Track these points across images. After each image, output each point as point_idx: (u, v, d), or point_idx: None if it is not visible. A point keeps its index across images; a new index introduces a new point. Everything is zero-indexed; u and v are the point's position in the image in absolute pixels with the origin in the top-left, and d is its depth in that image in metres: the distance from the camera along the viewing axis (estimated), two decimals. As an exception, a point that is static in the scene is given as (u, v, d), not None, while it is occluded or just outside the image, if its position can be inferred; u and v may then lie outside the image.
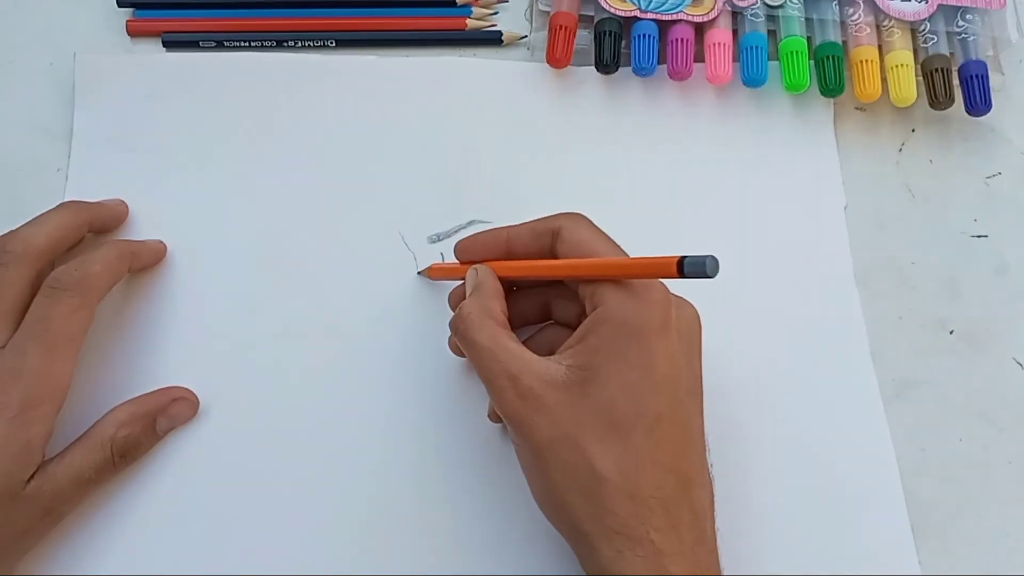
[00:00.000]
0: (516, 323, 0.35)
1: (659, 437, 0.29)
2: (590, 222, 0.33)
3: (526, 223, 0.34)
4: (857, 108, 0.44)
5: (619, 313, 0.30)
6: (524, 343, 0.34)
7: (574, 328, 0.31)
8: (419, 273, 0.39)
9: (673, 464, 0.30)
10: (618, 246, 0.32)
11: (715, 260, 0.26)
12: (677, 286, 0.32)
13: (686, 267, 0.27)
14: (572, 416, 0.29)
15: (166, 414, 0.35)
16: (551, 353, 0.31)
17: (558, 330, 0.35)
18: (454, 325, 0.33)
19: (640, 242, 0.40)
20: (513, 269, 0.34)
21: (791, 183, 0.42)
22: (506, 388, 0.30)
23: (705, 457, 0.32)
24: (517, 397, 0.30)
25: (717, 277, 0.40)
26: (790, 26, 0.43)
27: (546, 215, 0.34)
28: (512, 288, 0.35)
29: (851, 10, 0.43)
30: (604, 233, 0.33)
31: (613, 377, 0.29)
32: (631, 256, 0.32)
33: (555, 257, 0.33)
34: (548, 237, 0.33)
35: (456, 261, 0.36)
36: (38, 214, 0.36)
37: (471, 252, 0.36)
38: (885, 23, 0.43)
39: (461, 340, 0.32)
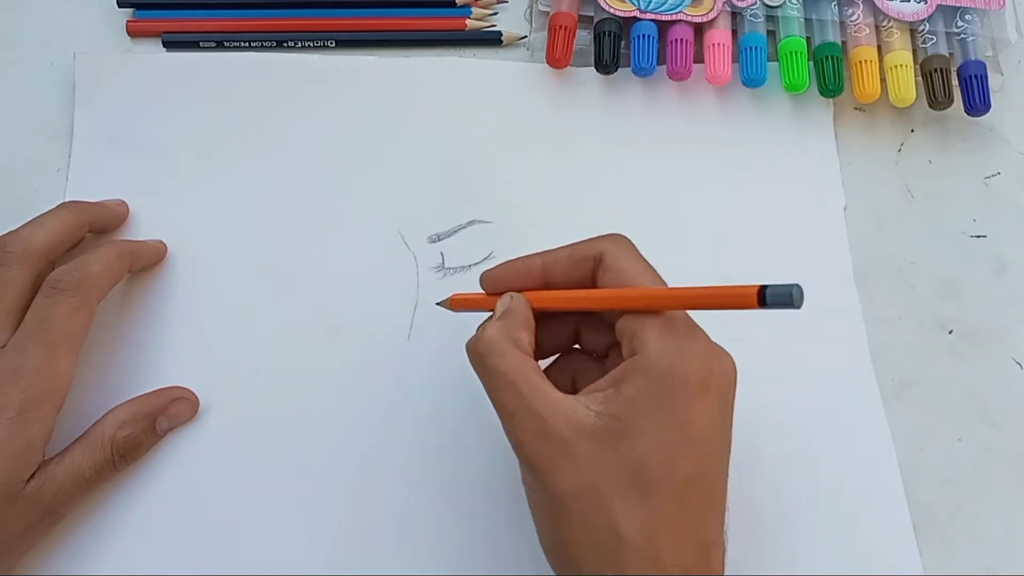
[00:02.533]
0: (547, 351, 0.33)
1: (686, 501, 0.28)
2: (634, 248, 0.31)
3: (564, 248, 0.31)
4: (856, 108, 0.44)
5: (661, 364, 0.28)
6: (545, 370, 0.32)
7: (601, 357, 0.29)
8: (438, 304, 0.36)
9: (696, 530, 0.28)
10: (661, 279, 0.30)
11: (800, 289, 0.24)
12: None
13: (769, 298, 0.24)
14: (599, 469, 0.27)
15: (166, 414, 0.35)
16: (572, 384, 0.30)
17: (583, 360, 0.33)
18: (472, 349, 0.30)
19: (640, 242, 0.40)
20: (553, 300, 0.31)
21: (791, 183, 0.42)
22: (528, 427, 0.28)
23: (724, 520, 0.30)
24: (540, 438, 0.28)
25: (716, 276, 0.40)
26: (789, 26, 0.43)
27: (587, 238, 0.31)
28: (544, 315, 0.32)
29: (850, 10, 0.43)
30: (647, 261, 0.31)
31: (647, 433, 0.27)
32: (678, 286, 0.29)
33: (595, 285, 0.30)
34: (589, 264, 0.31)
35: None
36: (38, 214, 0.36)
37: (501, 283, 0.32)
38: (884, 23, 0.43)
39: (480, 366, 0.30)
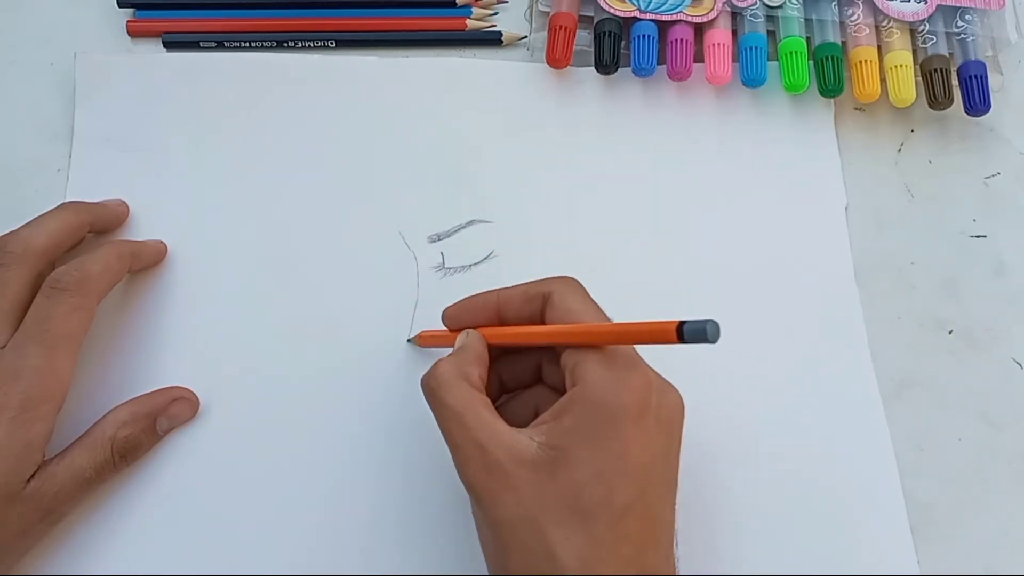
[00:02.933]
0: (511, 386, 0.34)
1: (625, 528, 0.28)
2: (580, 289, 0.32)
3: (518, 286, 0.33)
4: (856, 108, 0.44)
5: (596, 394, 0.29)
6: (509, 402, 0.34)
7: (561, 391, 0.30)
8: (409, 340, 0.38)
9: (636, 558, 0.28)
10: (606, 317, 0.31)
11: (716, 324, 0.25)
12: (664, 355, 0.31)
13: (686, 333, 0.26)
14: (537, 497, 0.28)
15: (166, 414, 0.35)
16: (536, 414, 0.31)
17: (546, 393, 0.33)
18: (425, 383, 0.31)
19: (640, 242, 0.40)
20: (502, 336, 0.33)
21: (791, 183, 0.42)
22: (472, 458, 0.29)
23: (672, 552, 0.30)
24: (483, 469, 0.29)
25: (717, 276, 0.40)
26: (789, 26, 0.43)
27: (538, 279, 0.33)
28: (505, 351, 0.34)
29: (850, 10, 0.43)
30: (594, 302, 0.32)
31: (584, 461, 0.28)
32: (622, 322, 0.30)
33: (544, 323, 0.32)
34: (539, 302, 0.32)
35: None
36: (38, 214, 0.36)
37: (460, 318, 0.34)
38: (884, 23, 0.43)
39: (431, 400, 0.31)
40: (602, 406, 0.29)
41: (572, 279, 0.32)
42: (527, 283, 0.33)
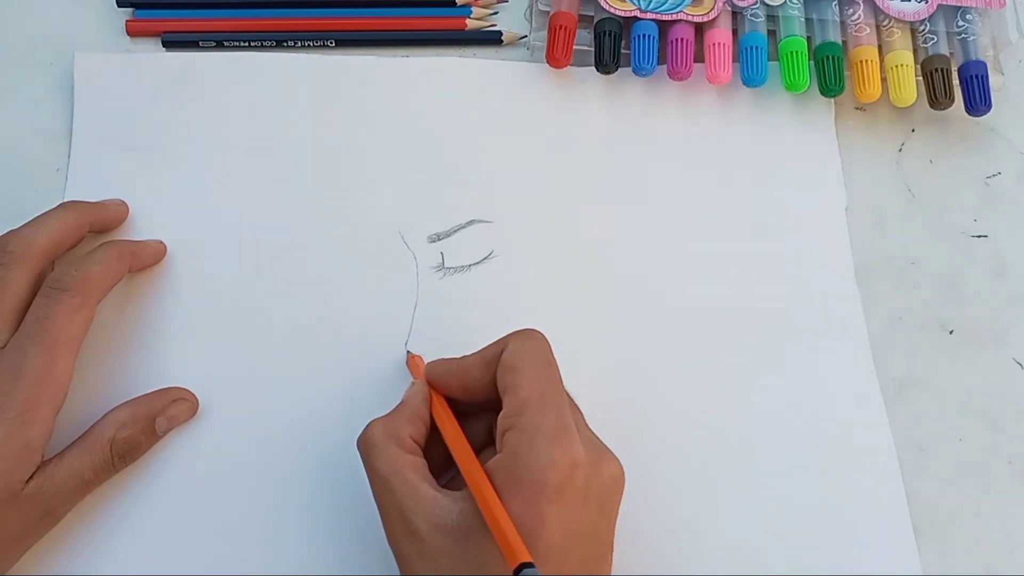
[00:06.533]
0: (478, 445, 0.33)
1: None
2: (534, 343, 0.31)
3: (478, 352, 0.32)
4: (857, 108, 0.44)
5: (517, 467, 0.28)
6: (467, 421, 0.33)
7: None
8: (408, 352, 0.37)
9: None
10: (549, 377, 0.30)
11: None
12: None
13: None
14: (449, 566, 0.28)
15: (165, 415, 0.35)
16: (489, 433, 0.31)
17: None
18: (358, 445, 0.32)
19: (640, 243, 0.40)
20: (436, 415, 0.33)
21: (791, 183, 0.42)
22: (395, 523, 0.30)
23: None
24: (403, 534, 0.29)
25: (716, 276, 0.40)
26: (790, 26, 0.43)
27: (498, 338, 0.32)
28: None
29: (851, 10, 0.43)
30: (544, 359, 0.31)
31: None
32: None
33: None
34: (496, 364, 0.31)
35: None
36: (38, 214, 0.35)
37: (437, 385, 0.34)
38: (885, 23, 0.43)
39: (363, 462, 0.31)
40: (519, 480, 0.28)
41: (531, 331, 0.32)
42: (485, 347, 0.32)
